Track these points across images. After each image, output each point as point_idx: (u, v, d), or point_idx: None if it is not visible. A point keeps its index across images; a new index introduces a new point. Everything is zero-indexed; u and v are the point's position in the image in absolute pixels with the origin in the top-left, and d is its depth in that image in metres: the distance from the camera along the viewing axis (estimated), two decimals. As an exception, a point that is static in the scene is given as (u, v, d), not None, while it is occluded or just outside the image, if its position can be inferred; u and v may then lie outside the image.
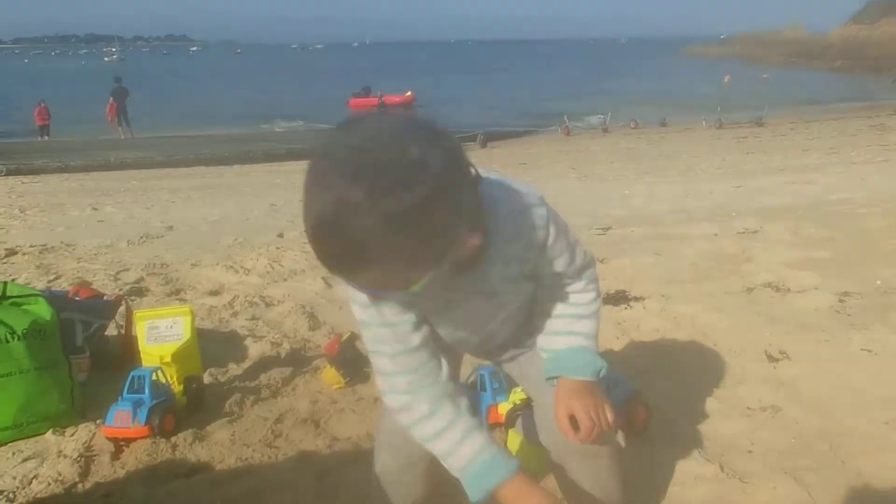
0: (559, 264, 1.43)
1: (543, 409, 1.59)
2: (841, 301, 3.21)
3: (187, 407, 2.33)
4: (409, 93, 35.16)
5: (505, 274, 1.39)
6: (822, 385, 2.44)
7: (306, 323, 3.23)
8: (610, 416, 1.50)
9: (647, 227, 5.32)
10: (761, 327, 2.96)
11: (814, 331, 2.89)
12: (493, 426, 2.17)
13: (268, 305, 3.52)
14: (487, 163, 13.76)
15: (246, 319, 3.34)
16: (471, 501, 1.36)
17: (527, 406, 2.13)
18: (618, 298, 3.45)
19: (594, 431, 1.46)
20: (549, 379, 1.52)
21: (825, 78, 47.39)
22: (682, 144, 16.57)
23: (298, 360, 2.84)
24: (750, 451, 2.07)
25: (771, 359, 2.67)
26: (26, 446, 2.17)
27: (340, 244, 1.05)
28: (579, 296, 1.53)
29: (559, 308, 1.54)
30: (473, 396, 2.22)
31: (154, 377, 2.25)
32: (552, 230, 1.36)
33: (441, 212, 1.07)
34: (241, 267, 4.22)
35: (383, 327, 1.37)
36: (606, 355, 2.76)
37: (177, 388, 2.36)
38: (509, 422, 2.13)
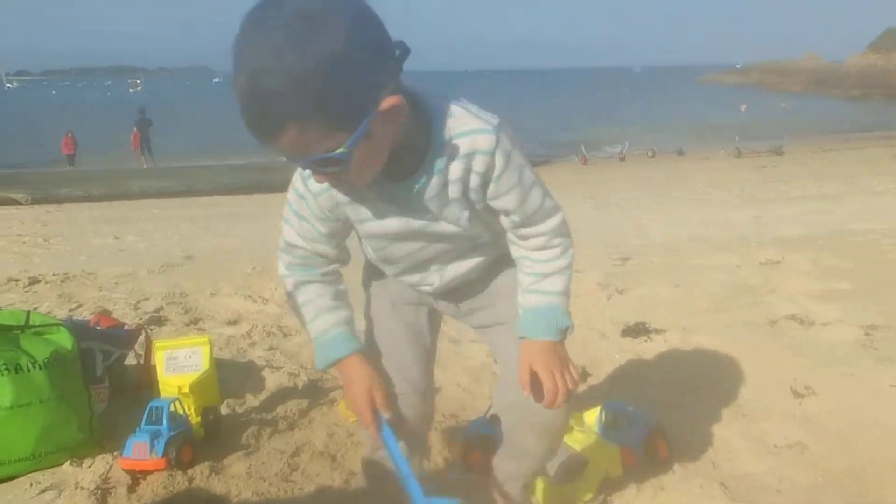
0: (509, 202, 1.38)
1: (505, 371, 1.61)
2: (867, 335, 3.16)
3: (205, 438, 2.32)
4: None
5: (442, 196, 1.36)
6: (849, 421, 2.39)
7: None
8: (574, 377, 1.51)
9: (666, 257, 5.28)
10: (785, 361, 2.92)
11: (840, 365, 2.84)
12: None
13: (285, 335, 3.52)
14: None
15: (264, 350, 3.33)
16: (317, 365, 1.53)
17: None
18: (637, 330, 3.42)
19: (558, 396, 1.48)
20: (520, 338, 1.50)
21: (843, 106, 47.20)
22: (700, 173, 16.51)
23: (315, 392, 2.83)
24: (778, 490, 2.03)
25: (796, 394, 2.62)
26: (44, 477, 2.17)
27: (256, 109, 1.12)
28: (544, 252, 1.48)
29: (525, 264, 1.49)
30: (493, 429, 2.19)
31: (172, 408, 2.24)
32: (499, 160, 1.32)
33: (347, 71, 1.11)
34: (260, 296, 4.23)
35: (304, 201, 1.43)
36: (627, 387, 2.76)
37: (194, 419, 2.36)
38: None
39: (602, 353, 3.16)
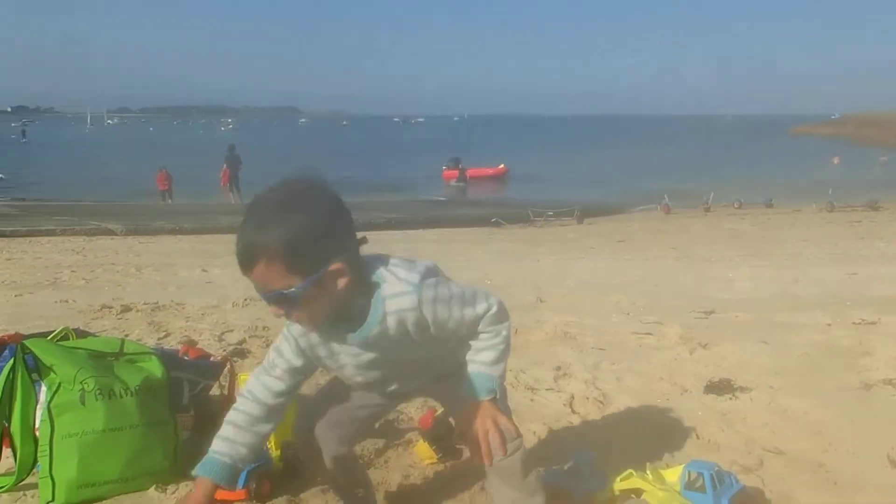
0: (451, 327, 1.73)
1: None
2: (970, 404, 2.96)
3: (283, 472, 2.36)
4: (501, 165, 35.61)
5: (385, 338, 1.71)
6: (952, 497, 2.24)
7: (401, 394, 3.24)
8: (501, 429, 1.75)
9: (753, 313, 5.11)
10: (881, 428, 2.76)
11: (941, 435, 2.67)
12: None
13: (364, 374, 3.55)
14: (585, 239, 13.56)
15: (342, 387, 3.37)
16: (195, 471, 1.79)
17: (625, 497, 2.05)
18: (721, 387, 3.30)
19: (493, 447, 1.75)
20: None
21: (946, 161, 44.99)
22: (789, 227, 15.96)
23: (391, 432, 2.84)
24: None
25: (893, 464, 2.48)
26: (130, 501, 2.24)
27: (244, 247, 1.58)
28: (483, 334, 1.79)
29: (470, 344, 1.81)
30: (570, 481, 2.16)
31: (254, 441, 2.28)
32: (427, 311, 1.68)
33: (311, 235, 1.57)
34: (339, 334, 4.29)
35: (287, 342, 1.81)
36: (709, 446, 2.66)
37: (274, 452, 2.40)
38: (608, 513, 2.05)
39: (684, 409, 3.07)
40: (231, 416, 1.84)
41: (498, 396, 1.80)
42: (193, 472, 1.80)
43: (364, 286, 1.68)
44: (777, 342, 4.08)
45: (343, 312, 1.68)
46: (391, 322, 1.69)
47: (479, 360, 1.80)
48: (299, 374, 1.85)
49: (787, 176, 30.51)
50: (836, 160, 37.97)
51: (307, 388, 2.04)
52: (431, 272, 1.74)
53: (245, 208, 1.63)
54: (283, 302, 1.60)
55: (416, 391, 2.03)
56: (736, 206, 21.87)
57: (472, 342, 1.81)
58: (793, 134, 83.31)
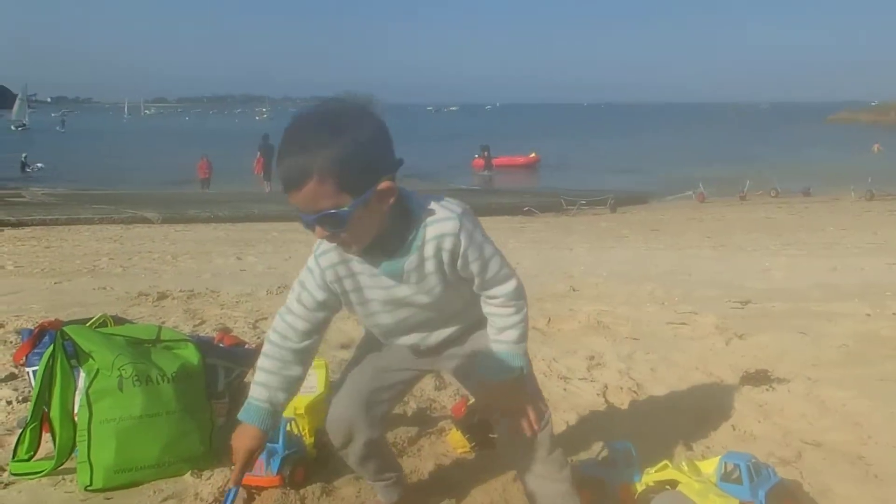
0: (473, 270, 1.72)
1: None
2: None
3: (317, 459, 2.37)
4: (532, 154, 35.36)
5: (420, 270, 1.71)
6: None
7: (432, 382, 3.24)
8: (529, 410, 1.80)
9: (790, 303, 5.03)
10: (924, 421, 2.70)
11: None
12: (624, 506, 2.07)
13: (396, 362, 3.56)
14: (618, 227, 13.45)
15: (374, 375, 3.39)
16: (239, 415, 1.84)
17: (660, 488, 2.02)
18: (759, 378, 3.26)
19: (524, 428, 1.79)
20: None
21: None
22: (827, 216, 15.66)
23: (424, 421, 2.84)
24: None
25: (936, 457, 2.42)
26: (166, 486, 2.27)
27: (292, 163, 1.54)
28: (503, 309, 1.79)
29: (490, 320, 1.82)
30: (604, 471, 2.14)
31: (288, 428, 2.31)
32: (463, 240, 1.68)
33: (361, 154, 1.54)
34: (372, 322, 4.31)
35: (311, 274, 1.80)
36: (745, 438, 2.62)
37: (308, 440, 2.42)
38: (641, 503, 2.03)
39: (719, 400, 3.03)
40: (261, 361, 1.86)
41: (525, 373, 1.82)
42: (238, 416, 1.84)
43: (403, 212, 1.67)
44: (815, 332, 4.01)
45: (380, 240, 1.66)
46: (429, 249, 1.68)
47: (503, 339, 1.80)
48: (322, 310, 1.83)
49: (825, 163, 29.89)
50: (877, 147, 37.11)
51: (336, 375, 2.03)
52: (470, 210, 1.74)
53: (287, 128, 1.60)
54: (330, 222, 1.58)
55: (443, 349, 1.94)
56: (772, 194, 21.51)
57: (493, 312, 1.80)
58: (830, 121, 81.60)
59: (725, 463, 2.02)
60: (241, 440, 1.82)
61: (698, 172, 25.14)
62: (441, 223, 1.67)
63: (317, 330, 1.85)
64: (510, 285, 1.78)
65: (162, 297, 5.43)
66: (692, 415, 2.86)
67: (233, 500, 1.83)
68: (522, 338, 1.82)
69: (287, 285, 5.98)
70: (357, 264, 1.74)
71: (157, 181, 25.44)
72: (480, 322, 1.86)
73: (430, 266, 1.71)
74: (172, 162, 30.80)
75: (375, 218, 1.61)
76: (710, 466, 2.10)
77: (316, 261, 1.78)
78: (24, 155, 30.79)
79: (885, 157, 32.58)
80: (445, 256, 1.70)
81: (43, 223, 13.25)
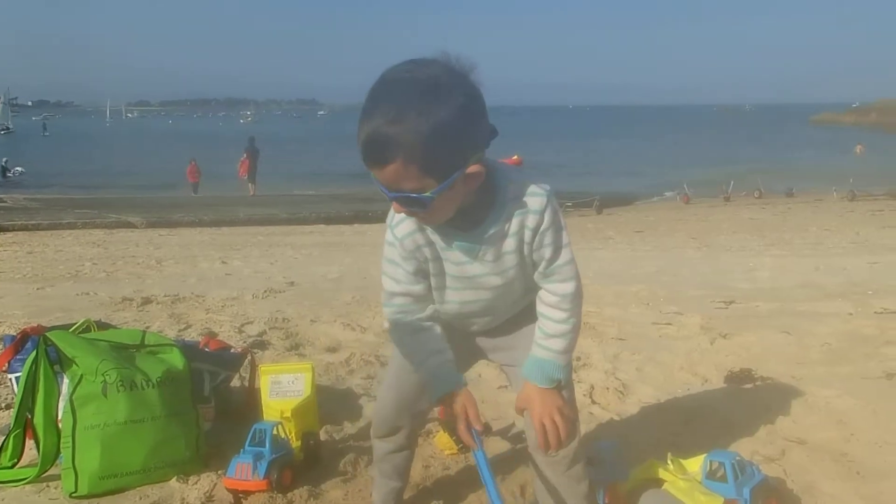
0: (544, 253, 1.65)
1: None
2: None
3: (304, 463, 2.36)
4: (515, 156, 35.38)
5: (499, 246, 1.64)
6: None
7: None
8: (561, 422, 1.72)
9: (774, 303, 5.06)
10: (906, 418, 2.73)
11: (967, 425, 2.63)
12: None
13: (383, 365, 3.56)
14: (604, 229, 13.52)
15: (361, 378, 3.39)
16: (432, 399, 1.77)
17: (646, 487, 2.03)
18: (743, 377, 3.28)
19: (550, 441, 1.72)
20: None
21: (973, 149, 44.22)
22: (810, 216, 15.81)
23: (411, 423, 2.84)
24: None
25: (918, 454, 2.44)
26: (152, 491, 2.26)
27: (377, 140, 1.41)
28: (555, 311, 1.72)
29: (540, 321, 1.74)
30: (591, 471, 2.15)
31: (275, 431, 2.30)
32: (547, 218, 1.61)
33: (452, 135, 1.42)
34: (358, 325, 4.31)
35: (393, 247, 1.69)
36: (730, 436, 2.64)
37: (295, 443, 2.41)
38: (628, 502, 2.04)
39: (704, 399, 3.05)
40: (403, 349, 1.80)
41: (563, 383, 1.75)
42: (434, 398, 1.75)
43: (488, 186, 1.57)
44: (799, 332, 4.04)
45: (461, 213, 1.58)
46: (513, 225, 1.61)
47: (548, 346, 1.73)
48: (419, 281, 1.72)
49: (808, 165, 30.17)
50: (859, 148, 37.45)
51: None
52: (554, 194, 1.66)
53: (374, 88, 1.46)
54: (412, 204, 1.50)
55: (496, 334, 1.87)
56: (756, 195, 21.70)
57: (545, 313, 1.72)
58: (814, 123, 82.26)
59: (710, 461, 2.04)
60: (457, 401, 1.70)
61: (682, 174, 25.33)
62: (529, 198, 1.59)
63: (426, 298, 1.74)
64: (570, 286, 1.70)
65: (146, 301, 5.39)
66: (678, 414, 2.88)
67: (484, 459, 1.68)
68: (569, 348, 1.75)
69: (273, 289, 5.97)
70: (432, 233, 1.65)
71: (141, 185, 25.31)
72: (532, 309, 1.78)
73: (509, 244, 1.63)
74: (156, 166, 30.64)
75: (459, 198, 1.53)
76: (695, 465, 2.11)
77: (392, 232, 1.69)
78: (3, 160, 30.58)
79: (867, 158, 32.91)
80: (527, 235, 1.62)
81: (25, 228, 13.15)
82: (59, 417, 2.30)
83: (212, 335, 3.62)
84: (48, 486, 2.29)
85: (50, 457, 2.30)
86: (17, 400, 2.36)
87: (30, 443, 2.37)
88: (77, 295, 5.94)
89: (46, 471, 2.29)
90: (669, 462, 2.10)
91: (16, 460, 2.35)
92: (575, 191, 21.58)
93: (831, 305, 4.81)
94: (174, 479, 2.30)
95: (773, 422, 2.78)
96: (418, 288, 1.73)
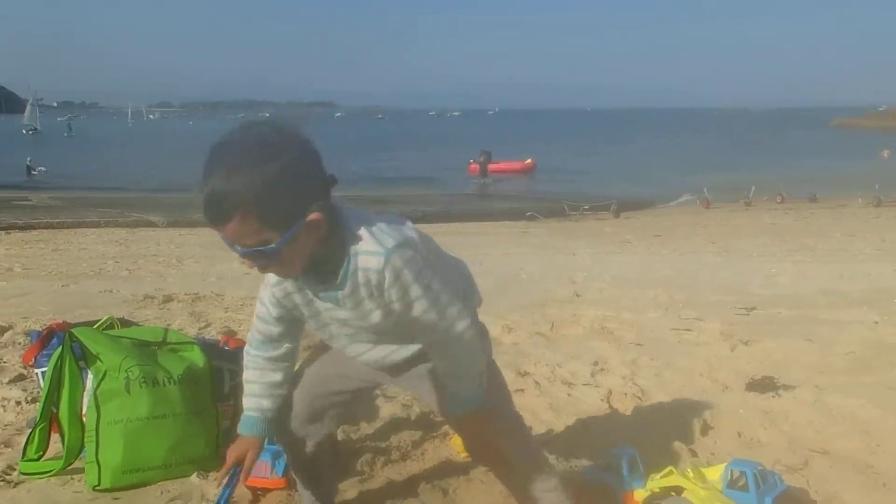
0: (396, 308, 1.64)
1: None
2: None
3: (322, 463, 2.37)
4: (528, 160, 35.33)
5: (355, 296, 1.65)
6: None
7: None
8: (496, 447, 1.82)
9: (796, 310, 5.02)
10: (931, 429, 2.69)
11: None
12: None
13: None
14: (621, 233, 13.45)
15: (379, 379, 3.39)
16: (238, 429, 1.88)
17: (665, 495, 2.02)
18: (764, 385, 3.25)
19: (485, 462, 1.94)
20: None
21: None
22: (834, 222, 15.63)
23: (428, 424, 2.84)
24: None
25: (944, 465, 2.41)
26: (173, 486, 2.28)
27: (214, 201, 1.46)
28: (436, 360, 1.78)
29: (436, 362, 1.79)
30: (608, 478, 2.14)
31: (293, 431, 2.30)
32: (388, 276, 1.59)
33: (285, 186, 1.47)
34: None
35: (265, 289, 1.77)
36: (750, 445, 2.62)
37: (313, 443, 2.41)
38: (647, 510, 2.03)
39: (724, 406, 3.02)
40: (245, 373, 1.89)
41: (485, 407, 1.79)
42: (238, 430, 1.88)
43: (336, 238, 1.60)
44: (822, 339, 4.00)
45: (316, 265, 1.61)
46: (360, 279, 1.62)
47: (449, 381, 1.79)
48: (279, 324, 1.81)
49: (832, 170, 29.82)
50: (886, 153, 36.96)
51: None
52: (413, 245, 1.62)
53: (207, 155, 1.51)
54: (258, 258, 1.54)
55: (402, 370, 1.88)
56: (778, 200, 21.49)
57: (435, 361, 1.78)
58: (834, 126, 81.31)
59: (732, 470, 2.02)
60: (235, 446, 1.87)
61: (702, 178, 25.14)
62: (366, 257, 1.60)
63: (284, 339, 1.84)
64: (436, 333, 1.69)
65: (167, 299, 5.44)
66: (697, 421, 2.85)
67: (227, 500, 1.87)
68: (461, 379, 1.77)
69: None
70: (300, 283, 1.71)
71: (161, 185, 25.51)
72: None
73: (362, 293, 1.65)
74: (177, 167, 30.86)
75: (306, 249, 1.56)
76: (715, 473, 2.09)
77: (266, 277, 1.75)
78: (28, 159, 31.18)
79: (894, 162, 32.43)
80: (374, 290, 1.63)
81: (50, 226, 13.33)
82: (84, 412, 2.32)
83: (231, 334, 3.64)
84: (72, 478, 2.31)
85: (74, 450, 2.32)
86: (42, 394, 2.39)
87: (55, 436, 2.40)
88: (100, 292, 6.01)
89: (71, 464, 2.32)
90: (689, 470, 2.08)
91: (41, 453, 2.38)
92: (592, 194, 21.51)
93: (855, 313, 4.75)
94: (194, 475, 2.32)
95: (795, 431, 2.75)
96: (276, 330, 1.82)
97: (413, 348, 1.83)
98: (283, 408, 1.91)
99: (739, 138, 61.15)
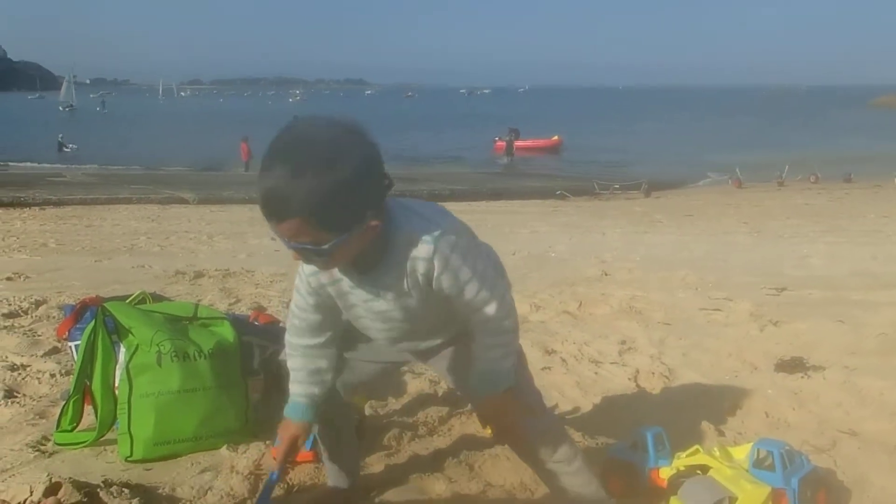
0: (450, 294, 1.65)
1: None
2: None
3: (349, 437, 2.40)
4: (555, 137, 35.03)
5: (398, 287, 1.66)
6: None
7: (464, 364, 3.26)
8: (520, 431, 1.83)
9: (828, 291, 4.95)
10: (964, 412, 2.65)
11: None
12: (654, 490, 2.07)
13: (428, 343, 3.59)
14: (652, 212, 13.31)
15: (406, 355, 3.41)
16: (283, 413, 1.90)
17: (690, 473, 2.02)
18: (793, 366, 3.22)
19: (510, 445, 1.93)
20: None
21: None
22: (868, 202, 15.32)
23: (455, 401, 2.86)
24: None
25: (976, 449, 2.37)
26: (203, 459, 2.32)
27: (275, 200, 1.45)
28: (486, 327, 1.73)
29: (475, 336, 1.76)
30: (635, 455, 2.14)
31: (321, 405, 2.34)
32: (438, 264, 1.60)
33: (349, 194, 1.46)
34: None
35: (300, 279, 1.78)
36: (778, 425, 2.60)
37: (340, 417, 2.44)
38: (672, 488, 2.03)
39: (753, 386, 3.00)
40: (289, 361, 1.90)
41: (512, 388, 1.78)
42: (285, 414, 1.90)
43: (383, 232, 1.59)
44: (853, 321, 3.95)
45: (359, 257, 1.62)
46: (406, 269, 1.63)
47: (487, 357, 1.76)
48: (317, 313, 1.81)
49: (867, 149, 29.18)
50: (925, 133, 35.96)
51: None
52: (456, 230, 1.64)
53: (273, 145, 1.49)
54: (310, 255, 1.54)
55: (431, 354, 1.91)
56: (812, 180, 21.10)
57: (477, 337, 1.76)
58: (872, 106, 79.41)
59: (758, 449, 2.01)
60: (285, 430, 1.87)
61: (735, 157, 24.75)
62: (417, 246, 1.60)
63: (324, 326, 1.84)
64: (489, 309, 1.70)
65: (198, 275, 5.52)
66: (724, 401, 2.84)
67: (274, 483, 1.90)
68: (507, 354, 1.77)
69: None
70: (339, 273, 1.71)
71: (193, 162, 25.76)
72: (463, 336, 1.82)
73: (406, 285, 1.66)
74: (208, 143, 31.12)
75: (355, 249, 1.57)
76: (741, 453, 2.09)
77: (302, 267, 1.75)
78: (60, 136, 31.69)
79: (931, 143, 31.62)
80: (421, 280, 1.64)
81: (83, 202, 13.53)
82: (116, 385, 2.37)
83: (261, 310, 3.69)
84: (105, 449, 2.37)
85: (107, 422, 2.37)
86: (76, 367, 2.45)
87: (88, 408, 2.45)
88: (132, 268, 6.12)
89: (103, 435, 2.37)
90: (715, 449, 2.08)
91: (75, 424, 2.44)
92: (623, 173, 21.29)
93: (888, 295, 4.68)
94: (224, 447, 2.36)
95: (823, 412, 2.73)
96: (315, 318, 1.82)
97: (446, 335, 1.85)
98: (331, 391, 1.93)
99: (777, 117, 60.03)
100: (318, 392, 1.88)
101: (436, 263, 1.60)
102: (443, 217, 1.65)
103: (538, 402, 1.92)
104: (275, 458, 1.92)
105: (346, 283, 1.71)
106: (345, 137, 1.49)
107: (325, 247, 1.50)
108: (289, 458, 1.91)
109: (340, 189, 1.44)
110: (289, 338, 1.89)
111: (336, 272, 1.70)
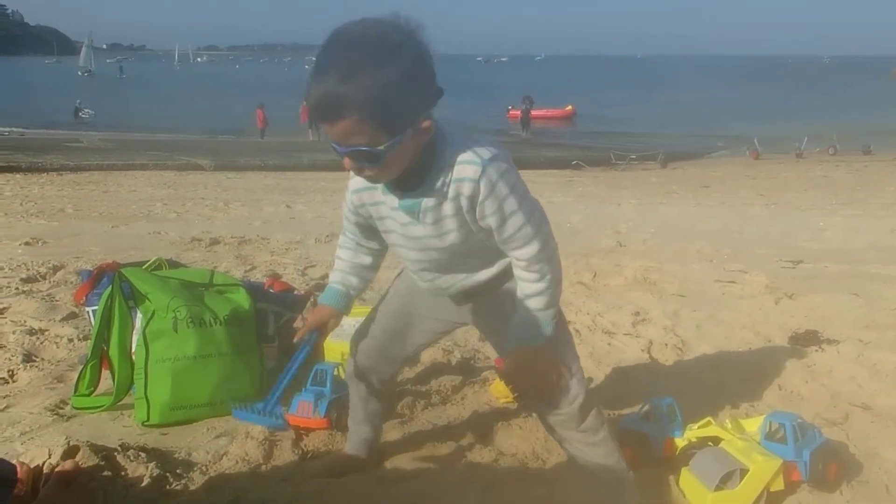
0: (490, 224, 1.61)
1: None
2: None
3: (362, 404, 2.42)
4: (569, 106, 34.68)
5: (437, 211, 1.63)
6: None
7: (476, 333, 3.27)
8: (552, 377, 1.74)
9: (844, 264, 4.91)
10: (980, 387, 2.64)
11: None
12: (666, 459, 2.08)
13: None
14: (668, 183, 13.21)
15: (420, 324, 3.43)
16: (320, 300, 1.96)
17: (702, 445, 2.03)
18: (808, 339, 3.21)
19: (552, 396, 1.78)
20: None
21: None
22: (888, 175, 15.11)
23: (468, 370, 2.88)
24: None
25: None
26: (219, 424, 2.35)
27: (330, 98, 1.42)
28: (526, 273, 1.68)
29: (518, 284, 1.72)
30: (647, 426, 2.15)
31: (336, 372, 2.36)
32: (483, 188, 1.56)
33: (403, 92, 1.44)
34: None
35: (346, 218, 1.86)
36: (791, 398, 2.60)
37: (354, 384, 2.46)
38: (683, 459, 2.04)
39: (767, 359, 3.00)
40: (338, 251, 1.95)
41: (552, 337, 1.72)
42: (318, 300, 1.97)
43: (432, 148, 1.57)
44: (869, 294, 3.92)
45: (405, 174, 1.58)
46: (451, 191, 1.59)
47: (528, 305, 1.70)
48: (362, 230, 1.87)
49: (888, 121, 28.72)
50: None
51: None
52: (508, 161, 1.60)
53: (325, 46, 1.47)
54: (364, 158, 1.51)
55: (469, 297, 1.85)
56: (830, 152, 20.83)
57: (520, 275, 1.69)
58: (895, 76, 77.96)
59: (770, 422, 2.02)
60: (316, 313, 1.94)
61: (752, 128, 24.45)
62: (463, 166, 1.56)
63: (371, 238, 1.88)
64: (532, 248, 1.64)
65: (214, 242, 5.55)
66: (738, 373, 2.84)
67: (304, 359, 1.97)
68: (549, 304, 1.70)
69: (335, 233, 6.04)
70: (381, 193, 1.69)
71: (209, 129, 25.74)
72: (511, 274, 1.75)
73: (448, 209, 1.62)
74: (224, 110, 31.08)
75: (409, 154, 1.54)
76: (753, 425, 2.09)
77: (349, 184, 1.76)
78: (77, 101, 31.73)
79: (954, 115, 31.07)
80: (464, 203, 1.59)
81: (100, 168, 13.59)
82: (133, 350, 2.40)
83: (276, 277, 3.71)
84: (122, 413, 2.41)
85: (124, 387, 2.41)
86: (93, 332, 2.48)
87: (105, 373, 2.49)
88: (149, 234, 6.16)
89: (120, 400, 2.41)
90: (727, 421, 2.08)
91: (92, 388, 2.47)
92: (640, 143, 21.11)
93: (906, 269, 4.64)
94: (240, 413, 2.39)
95: (837, 385, 2.73)
96: (360, 231, 1.88)
97: (484, 275, 1.79)
98: (365, 290, 1.98)
99: (797, 87, 59.12)
100: (356, 284, 1.93)
101: (482, 187, 1.56)
102: (494, 146, 1.61)
103: (575, 364, 1.82)
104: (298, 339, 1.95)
105: (386, 206, 1.70)
106: (396, 36, 1.46)
107: (381, 148, 1.47)
108: (313, 332, 1.93)
109: (395, 86, 1.42)
110: (342, 234, 1.95)
111: (379, 193, 1.69)
